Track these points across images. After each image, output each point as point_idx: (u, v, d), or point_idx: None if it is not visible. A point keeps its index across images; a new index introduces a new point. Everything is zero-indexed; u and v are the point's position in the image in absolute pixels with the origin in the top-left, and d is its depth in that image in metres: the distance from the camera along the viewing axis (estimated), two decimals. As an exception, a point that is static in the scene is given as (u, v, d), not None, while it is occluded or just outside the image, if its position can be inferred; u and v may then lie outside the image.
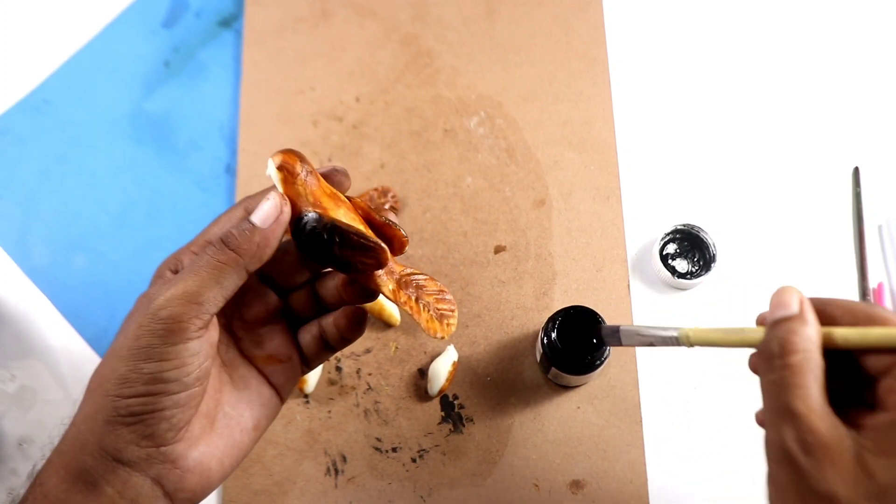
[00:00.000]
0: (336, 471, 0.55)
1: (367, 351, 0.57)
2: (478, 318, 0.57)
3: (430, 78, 0.64)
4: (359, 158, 0.62)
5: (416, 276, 0.40)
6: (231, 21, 0.67)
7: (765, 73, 0.63)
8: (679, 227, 0.57)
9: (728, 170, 0.61)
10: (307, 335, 0.42)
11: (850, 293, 0.57)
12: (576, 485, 0.53)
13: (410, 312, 0.39)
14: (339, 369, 0.57)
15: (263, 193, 0.37)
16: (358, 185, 0.60)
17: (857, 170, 0.60)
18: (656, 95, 0.63)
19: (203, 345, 0.36)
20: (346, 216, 0.37)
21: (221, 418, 0.39)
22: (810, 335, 0.33)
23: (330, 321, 0.41)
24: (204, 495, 0.38)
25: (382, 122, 0.63)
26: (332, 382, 0.56)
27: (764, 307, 0.58)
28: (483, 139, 0.62)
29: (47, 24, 0.66)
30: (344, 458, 0.55)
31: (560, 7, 0.65)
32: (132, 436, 0.34)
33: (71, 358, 0.58)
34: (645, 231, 0.59)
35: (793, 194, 0.60)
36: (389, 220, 0.39)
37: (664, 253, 0.58)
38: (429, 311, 0.39)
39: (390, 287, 0.39)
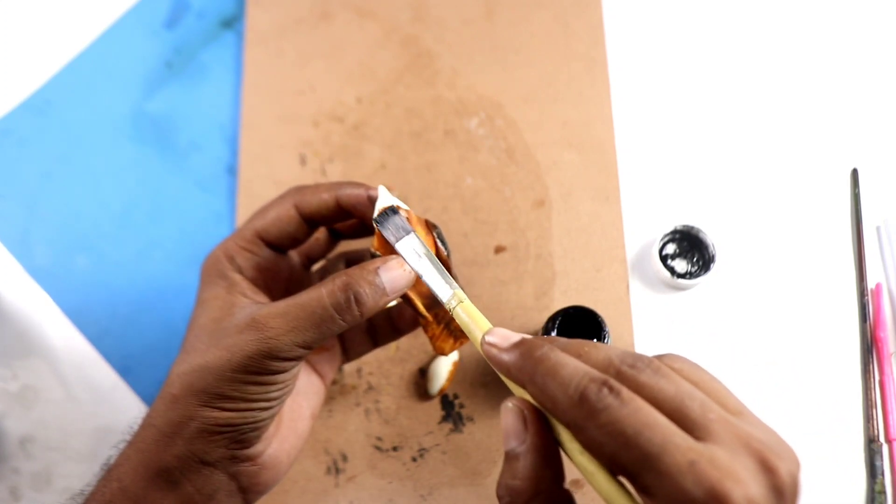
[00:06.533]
0: (337, 470, 0.55)
1: (368, 350, 0.57)
2: (478, 317, 0.58)
3: (430, 79, 0.64)
4: (359, 159, 0.62)
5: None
6: (232, 22, 0.67)
7: (764, 75, 0.63)
8: (678, 228, 0.58)
9: (727, 171, 0.61)
10: (354, 328, 0.43)
11: (849, 293, 0.58)
12: (575, 483, 0.53)
13: (424, 324, 0.41)
14: (339, 368, 0.57)
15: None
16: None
17: (855, 171, 0.60)
18: (655, 96, 0.63)
19: (297, 368, 0.38)
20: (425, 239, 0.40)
21: (287, 412, 0.41)
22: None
23: (381, 315, 0.42)
24: (273, 485, 0.40)
25: (383, 123, 0.63)
26: (333, 381, 0.57)
27: (763, 308, 0.59)
28: (483, 140, 0.62)
29: (50, 26, 0.66)
30: (344, 457, 0.55)
31: (559, 8, 0.65)
32: (224, 441, 0.36)
33: (73, 357, 0.58)
34: (644, 231, 0.60)
35: (791, 195, 0.60)
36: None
37: (663, 253, 0.58)
38: (444, 326, 0.41)
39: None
